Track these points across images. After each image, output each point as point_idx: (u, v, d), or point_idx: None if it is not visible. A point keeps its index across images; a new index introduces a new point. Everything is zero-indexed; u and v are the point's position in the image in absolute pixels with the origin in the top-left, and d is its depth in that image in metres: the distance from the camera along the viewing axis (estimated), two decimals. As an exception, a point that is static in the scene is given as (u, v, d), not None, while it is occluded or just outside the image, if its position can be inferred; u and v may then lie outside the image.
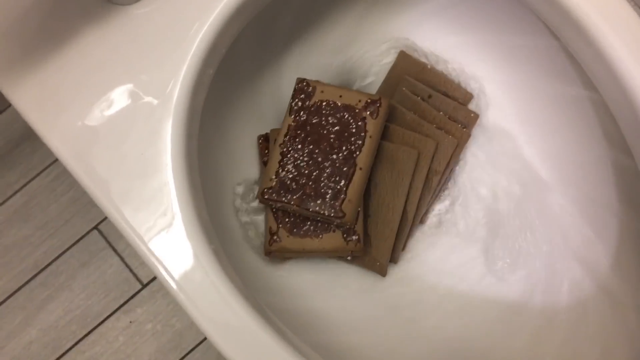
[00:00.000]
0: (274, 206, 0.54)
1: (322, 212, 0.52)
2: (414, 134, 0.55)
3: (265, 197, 0.52)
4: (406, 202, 0.55)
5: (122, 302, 0.85)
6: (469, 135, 0.55)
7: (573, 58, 0.48)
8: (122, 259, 0.85)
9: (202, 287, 0.44)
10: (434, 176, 0.55)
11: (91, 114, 0.46)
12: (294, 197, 0.52)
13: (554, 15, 0.44)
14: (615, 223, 0.52)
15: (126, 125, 0.45)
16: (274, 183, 0.53)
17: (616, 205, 0.52)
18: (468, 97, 0.57)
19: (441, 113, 0.56)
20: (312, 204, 0.52)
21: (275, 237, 0.54)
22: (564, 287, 0.53)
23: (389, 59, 0.60)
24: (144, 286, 0.85)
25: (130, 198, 0.45)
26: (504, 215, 0.57)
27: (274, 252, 0.54)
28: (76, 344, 0.84)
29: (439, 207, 0.60)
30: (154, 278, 0.85)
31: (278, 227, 0.54)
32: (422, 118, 0.55)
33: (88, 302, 0.85)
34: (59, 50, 0.46)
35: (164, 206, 0.44)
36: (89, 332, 0.84)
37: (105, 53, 0.46)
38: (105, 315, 0.85)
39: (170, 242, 0.44)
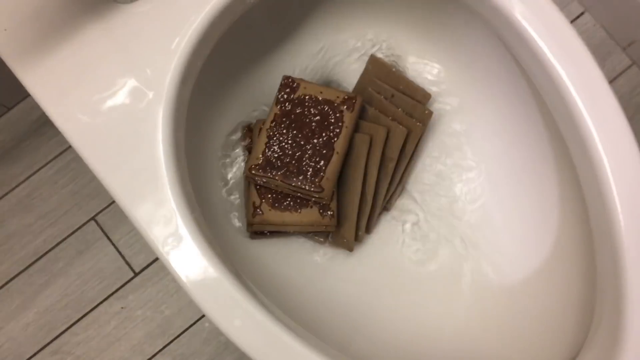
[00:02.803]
0: (259, 182, 0.60)
1: (303, 186, 0.59)
2: (370, 124, 0.62)
3: (252, 172, 0.59)
4: (364, 184, 0.62)
5: (115, 288, 0.90)
6: (422, 128, 0.63)
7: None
8: (116, 248, 0.91)
9: (181, 246, 0.49)
10: (389, 163, 0.62)
11: (93, 97, 0.52)
12: (279, 173, 0.59)
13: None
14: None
15: (124, 109, 0.51)
16: (260, 161, 0.60)
17: (554, 201, 0.59)
18: (427, 97, 0.65)
19: (400, 109, 0.63)
20: (294, 179, 0.59)
21: (258, 210, 0.61)
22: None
23: (362, 63, 0.68)
24: (136, 274, 0.90)
25: (124, 169, 0.50)
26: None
27: (256, 224, 0.61)
28: (70, 326, 0.89)
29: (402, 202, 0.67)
30: (146, 267, 0.90)
31: (261, 202, 0.61)
32: (382, 113, 0.63)
33: (83, 288, 0.90)
34: (66, 41, 0.52)
35: (154, 179, 0.50)
36: (83, 316, 0.89)
37: (107, 46, 0.52)
38: (98, 301, 0.90)
39: (157, 210, 0.49)
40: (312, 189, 0.59)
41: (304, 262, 0.64)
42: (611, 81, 0.93)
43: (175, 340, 0.89)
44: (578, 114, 0.49)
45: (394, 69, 0.66)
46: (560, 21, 0.50)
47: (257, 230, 0.62)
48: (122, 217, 0.92)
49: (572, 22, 0.94)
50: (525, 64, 0.53)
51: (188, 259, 0.48)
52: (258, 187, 0.61)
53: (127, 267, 0.91)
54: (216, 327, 0.49)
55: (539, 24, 0.50)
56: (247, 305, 0.48)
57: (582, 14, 0.94)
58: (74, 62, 0.52)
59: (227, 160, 0.66)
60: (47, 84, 0.52)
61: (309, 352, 0.47)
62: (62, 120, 0.52)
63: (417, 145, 0.63)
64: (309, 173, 0.59)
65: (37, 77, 0.52)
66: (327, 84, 0.69)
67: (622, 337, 0.47)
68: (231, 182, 0.65)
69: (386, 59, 0.67)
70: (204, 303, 0.48)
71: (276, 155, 0.60)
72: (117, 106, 0.51)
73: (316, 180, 0.59)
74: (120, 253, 0.91)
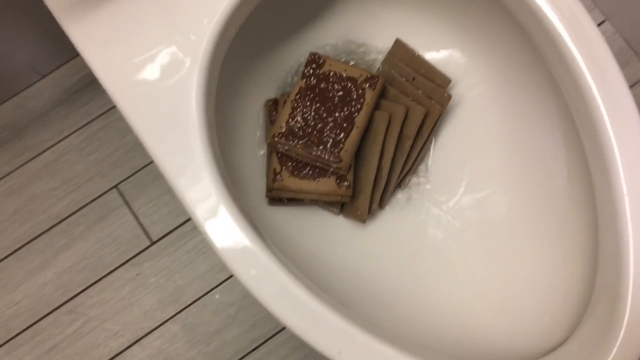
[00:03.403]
0: (280, 149, 0.63)
1: (323, 156, 0.62)
2: (390, 103, 0.65)
3: (275, 139, 0.62)
4: (381, 160, 0.64)
5: (131, 255, 0.93)
6: (440, 110, 0.66)
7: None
8: (136, 217, 0.94)
9: (205, 197, 0.52)
10: (406, 140, 0.65)
11: (134, 55, 0.55)
12: (300, 142, 0.62)
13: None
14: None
15: (162, 69, 0.54)
16: (283, 129, 0.63)
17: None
18: (447, 81, 0.68)
19: (420, 91, 0.66)
20: (315, 148, 0.62)
21: (278, 177, 0.64)
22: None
23: (387, 45, 0.71)
24: (153, 243, 0.93)
25: (160, 125, 0.53)
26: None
27: (275, 190, 0.64)
28: (86, 289, 0.92)
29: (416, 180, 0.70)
30: (163, 236, 0.93)
31: (282, 169, 0.64)
32: (403, 94, 0.66)
33: (101, 252, 0.93)
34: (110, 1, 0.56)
35: (186, 137, 0.53)
36: (99, 280, 0.93)
37: (149, 7, 0.55)
38: (115, 266, 0.93)
39: (184, 160, 0.52)
40: (331, 159, 0.61)
41: (318, 231, 0.67)
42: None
43: (186, 310, 0.92)
44: (593, 102, 0.52)
45: (416, 54, 0.69)
46: (588, 24, 0.53)
47: (276, 197, 0.65)
48: (144, 187, 0.95)
49: (592, 29, 0.96)
50: (544, 53, 0.56)
51: (210, 207, 0.51)
52: (279, 154, 0.64)
53: (144, 236, 0.94)
54: (234, 277, 0.52)
55: (567, 23, 0.53)
56: (264, 257, 0.51)
57: (603, 22, 0.97)
58: (118, 21, 0.55)
59: (255, 129, 0.69)
60: (92, 38, 0.55)
61: (319, 304, 0.50)
62: (105, 74, 0.55)
63: (434, 126, 0.66)
64: (329, 144, 0.62)
65: (83, 31, 0.55)
66: (353, 63, 0.72)
67: (618, 314, 0.49)
68: (259, 149, 0.68)
69: (410, 44, 0.70)
70: (223, 252, 0.51)
71: (299, 125, 0.63)
72: (156, 67, 0.55)
73: (335, 151, 0.62)
74: (139, 221, 0.94)
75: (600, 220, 0.54)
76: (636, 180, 0.51)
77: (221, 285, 0.92)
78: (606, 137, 0.52)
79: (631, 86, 0.95)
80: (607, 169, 0.52)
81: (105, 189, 0.95)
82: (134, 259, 0.93)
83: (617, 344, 0.48)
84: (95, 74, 0.55)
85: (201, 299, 0.92)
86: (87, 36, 0.55)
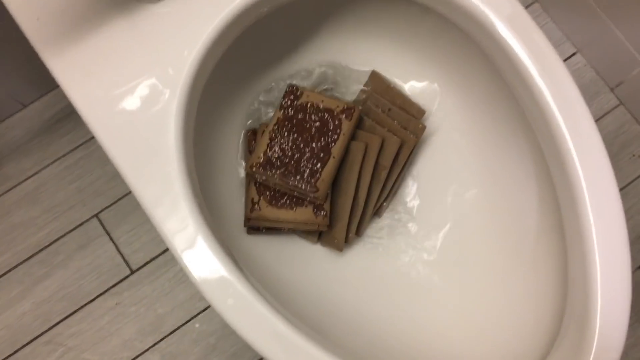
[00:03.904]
0: (258, 179, 0.64)
1: (300, 186, 0.63)
2: (366, 133, 0.67)
3: (253, 169, 0.63)
4: (357, 189, 0.66)
5: (111, 284, 0.93)
6: (414, 141, 0.67)
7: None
8: (116, 245, 0.94)
9: (183, 228, 0.52)
10: (382, 170, 0.67)
11: (114, 88, 0.55)
12: (278, 171, 0.63)
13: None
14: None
15: (141, 102, 0.55)
16: (261, 160, 0.64)
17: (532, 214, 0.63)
18: (421, 112, 0.70)
19: (395, 122, 0.68)
20: (292, 178, 0.63)
21: (255, 206, 0.65)
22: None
23: (363, 74, 0.73)
24: (133, 272, 0.94)
25: (138, 156, 0.54)
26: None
27: (253, 219, 0.65)
28: (65, 318, 0.92)
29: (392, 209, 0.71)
30: (144, 265, 0.94)
31: (259, 198, 0.65)
32: (379, 124, 0.68)
33: (81, 281, 0.93)
34: (93, 34, 0.56)
35: (163, 165, 0.53)
36: (78, 309, 0.92)
37: (131, 42, 0.56)
38: (94, 295, 0.93)
39: (162, 191, 0.53)
40: (307, 189, 0.63)
41: (295, 259, 0.67)
42: (598, 119, 0.98)
43: (166, 339, 0.92)
44: (559, 134, 0.54)
45: (392, 85, 0.71)
46: (556, 62, 0.55)
47: (254, 226, 0.66)
48: (124, 216, 0.95)
49: (564, 61, 0.99)
50: (513, 87, 0.58)
51: (187, 237, 0.52)
52: (257, 184, 0.65)
53: (124, 265, 0.94)
54: (210, 305, 0.52)
55: (534, 59, 0.55)
56: (240, 286, 0.51)
57: (574, 54, 1.00)
58: (98, 55, 0.56)
59: (234, 157, 0.70)
60: (73, 72, 0.56)
61: (295, 333, 0.50)
62: (84, 106, 0.56)
63: (409, 156, 0.68)
64: (306, 174, 0.63)
65: (64, 65, 0.56)
66: (329, 94, 0.74)
67: (587, 341, 0.50)
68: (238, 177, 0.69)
69: (386, 75, 0.72)
70: (200, 282, 0.51)
71: (276, 155, 0.64)
72: (135, 99, 0.56)
73: (312, 180, 0.63)
74: (119, 250, 0.94)
75: (569, 249, 0.55)
76: (602, 210, 0.52)
77: (201, 314, 0.92)
78: (573, 169, 0.53)
79: (603, 115, 0.98)
80: (575, 200, 0.53)
81: (86, 218, 0.96)
82: (114, 288, 0.93)
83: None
84: (74, 106, 0.55)
85: (181, 328, 0.92)
86: (67, 69, 0.56)
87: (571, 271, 0.55)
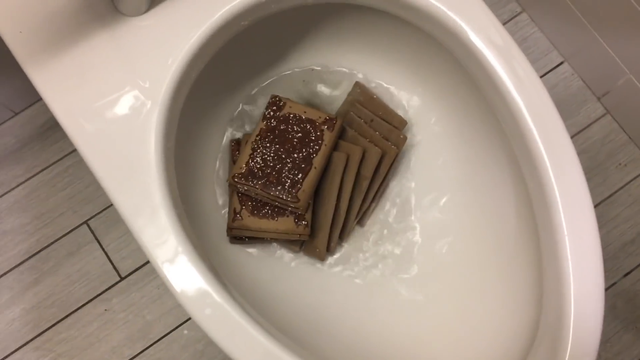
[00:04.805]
0: (240, 189, 0.65)
1: (280, 196, 0.63)
2: (348, 144, 0.68)
3: (235, 180, 0.64)
4: (339, 200, 0.66)
5: (100, 291, 0.94)
6: (395, 151, 0.68)
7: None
8: (105, 252, 0.95)
9: (163, 239, 0.53)
10: (364, 180, 0.67)
11: (96, 100, 0.56)
12: (259, 182, 0.64)
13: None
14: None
15: (122, 114, 0.55)
16: (243, 170, 0.65)
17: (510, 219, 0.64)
18: (403, 123, 0.71)
19: (377, 133, 0.69)
20: (273, 189, 0.64)
21: (237, 216, 0.65)
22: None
23: (347, 88, 0.74)
24: (122, 279, 0.94)
25: (118, 167, 0.54)
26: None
27: (235, 229, 0.65)
28: (54, 325, 0.92)
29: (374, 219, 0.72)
30: (133, 272, 0.94)
31: (241, 208, 0.66)
32: (361, 135, 0.68)
33: (70, 288, 0.94)
34: (75, 47, 0.57)
35: (144, 178, 0.54)
36: (67, 316, 0.93)
37: (113, 54, 0.57)
38: (83, 302, 0.93)
39: (142, 201, 0.53)
40: (289, 199, 0.63)
41: (277, 268, 0.68)
42: (585, 128, 0.98)
43: (154, 345, 0.92)
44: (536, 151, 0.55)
45: (375, 96, 0.72)
46: (528, 71, 0.56)
47: (236, 235, 0.67)
48: (114, 223, 0.96)
49: (551, 70, 1.00)
50: (489, 97, 0.59)
51: (166, 247, 0.53)
52: (240, 194, 0.66)
53: (114, 271, 0.94)
54: (191, 317, 0.53)
55: (508, 69, 0.56)
56: (217, 297, 0.52)
57: (561, 63, 1.01)
58: (81, 67, 0.57)
59: (218, 168, 0.71)
60: (55, 84, 0.57)
61: (270, 342, 0.51)
62: (66, 118, 0.57)
63: (390, 167, 0.68)
64: (287, 184, 0.64)
65: (46, 77, 0.57)
66: (312, 105, 0.74)
67: (559, 353, 0.51)
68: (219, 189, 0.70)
69: (369, 87, 0.73)
70: (179, 291, 0.52)
71: (258, 166, 0.65)
72: (116, 111, 0.56)
73: (293, 191, 0.64)
74: (108, 257, 0.95)
75: (544, 259, 0.56)
76: (576, 221, 0.53)
77: (190, 321, 0.92)
78: (548, 182, 0.54)
79: (589, 124, 0.98)
80: (549, 210, 0.54)
81: (76, 225, 0.96)
82: (103, 295, 0.94)
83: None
84: (56, 117, 0.56)
85: (170, 334, 0.93)
86: (49, 81, 0.57)
87: (546, 281, 0.55)
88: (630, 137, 0.97)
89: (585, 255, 0.53)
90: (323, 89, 0.74)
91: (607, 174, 0.97)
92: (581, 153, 0.96)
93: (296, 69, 0.74)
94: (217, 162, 0.72)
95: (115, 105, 0.56)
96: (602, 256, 0.53)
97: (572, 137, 0.56)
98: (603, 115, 0.99)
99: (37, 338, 0.92)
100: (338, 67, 0.74)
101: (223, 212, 0.70)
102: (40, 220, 0.96)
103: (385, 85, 0.73)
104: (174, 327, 0.93)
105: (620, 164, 0.97)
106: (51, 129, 0.99)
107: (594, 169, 0.96)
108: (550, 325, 0.54)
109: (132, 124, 0.56)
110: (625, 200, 0.96)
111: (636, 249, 0.94)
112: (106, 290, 0.94)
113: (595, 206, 0.95)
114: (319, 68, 0.74)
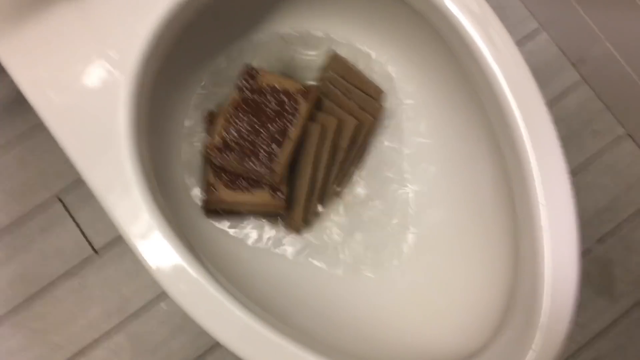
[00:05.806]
0: (215, 162, 0.64)
1: (256, 168, 0.62)
2: (323, 114, 0.67)
3: (209, 152, 0.63)
4: (315, 171, 0.66)
5: (74, 265, 0.93)
6: (372, 121, 0.67)
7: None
8: (79, 227, 0.93)
9: (137, 214, 0.52)
10: (340, 152, 0.67)
11: (63, 72, 0.55)
12: (234, 154, 0.63)
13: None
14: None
15: (90, 86, 0.54)
16: (217, 142, 0.63)
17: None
18: (379, 92, 0.70)
19: (354, 103, 0.68)
20: (248, 161, 0.63)
21: (212, 189, 0.64)
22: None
23: (325, 53, 0.72)
24: (97, 253, 0.93)
25: (88, 141, 0.53)
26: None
27: (211, 202, 0.64)
28: (28, 300, 0.91)
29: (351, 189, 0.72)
30: (107, 246, 0.93)
31: (216, 181, 0.65)
32: (338, 106, 0.67)
33: (44, 263, 0.92)
34: (40, 16, 0.54)
35: (114, 152, 0.53)
36: (41, 291, 0.92)
37: (79, 24, 0.55)
38: (57, 277, 0.92)
39: (114, 177, 0.53)
40: (264, 171, 0.62)
41: (255, 242, 0.67)
42: (560, 96, 0.98)
43: (131, 319, 0.91)
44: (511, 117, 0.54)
45: (351, 66, 0.70)
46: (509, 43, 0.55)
47: (212, 209, 0.66)
48: (87, 197, 0.94)
49: (527, 37, 1.00)
50: (467, 68, 0.58)
51: (139, 222, 0.52)
52: (215, 167, 0.65)
53: (88, 246, 0.93)
54: (164, 290, 0.52)
55: (486, 38, 0.55)
56: (193, 271, 0.51)
57: (537, 29, 1.00)
58: (46, 38, 0.55)
59: (192, 140, 0.69)
60: (19, 55, 0.55)
61: (247, 316, 0.51)
62: (31, 91, 0.55)
63: (366, 137, 0.68)
64: (262, 156, 0.63)
65: (10, 48, 0.55)
66: (287, 75, 0.73)
67: (534, 319, 0.51)
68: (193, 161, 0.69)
69: (345, 56, 0.72)
70: (153, 267, 0.51)
71: (233, 138, 0.64)
72: (84, 83, 0.55)
73: (269, 163, 0.63)
74: (82, 232, 0.93)
75: (520, 227, 0.56)
76: (551, 190, 0.53)
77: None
78: (524, 151, 0.54)
79: (565, 91, 0.98)
80: (525, 180, 0.54)
81: (48, 200, 0.94)
82: (78, 270, 0.93)
83: (532, 348, 0.50)
84: (21, 90, 0.54)
85: (147, 308, 0.92)
86: (12, 52, 0.55)
87: (522, 249, 0.56)
88: (606, 105, 0.97)
89: (560, 224, 0.53)
90: (301, 53, 0.73)
91: (583, 141, 0.97)
92: (558, 121, 0.96)
93: (273, 34, 0.72)
94: (193, 133, 0.70)
95: (83, 76, 0.55)
96: (578, 224, 0.53)
97: (548, 105, 0.56)
98: (579, 83, 0.99)
99: (11, 314, 0.91)
100: (316, 30, 0.72)
101: (198, 185, 0.68)
102: (11, 195, 0.94)
103: (365, 50, 0.72)
104: (152, 301, 0.92)
105: (594, 131, 0.97)
106: (17, 101, 0.96)
107: (570, 136, 0.97)
108: (526, 292, 0.54)
109: (101, 95, 0.54)
110: (600, 167, 0.96)
111: (610, 216, 0.95)
112: (81, 264, 0.93)
113: (571, 174, 0.96)
114: (296, 33, 0.72)
